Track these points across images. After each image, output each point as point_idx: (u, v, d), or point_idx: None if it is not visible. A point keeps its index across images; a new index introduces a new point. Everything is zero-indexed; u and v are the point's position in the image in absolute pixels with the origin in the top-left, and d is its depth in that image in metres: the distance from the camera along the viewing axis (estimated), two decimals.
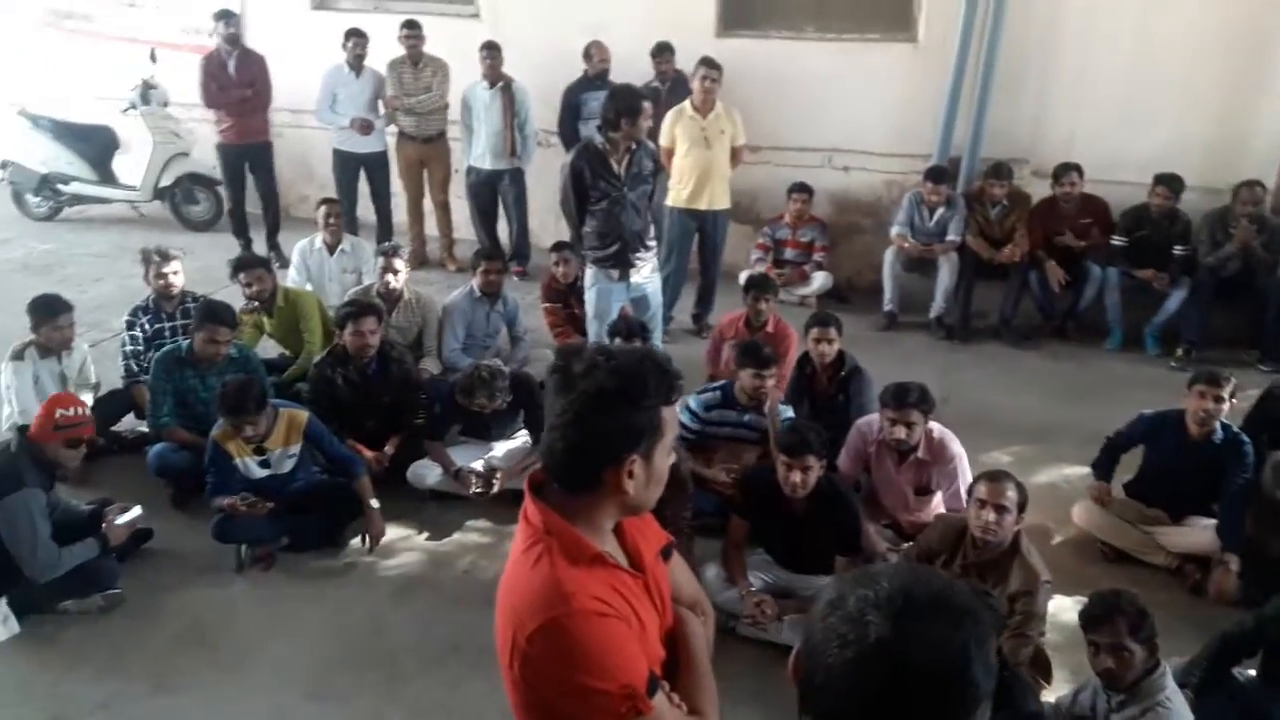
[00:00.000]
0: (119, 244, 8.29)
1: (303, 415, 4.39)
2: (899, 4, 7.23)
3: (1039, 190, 6.84)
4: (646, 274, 5.25)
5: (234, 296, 5.45)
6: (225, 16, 7.50)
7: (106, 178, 8.82)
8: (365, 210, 7.86)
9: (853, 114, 7.37)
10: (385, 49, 7.49)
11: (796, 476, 3.58)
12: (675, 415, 1.62)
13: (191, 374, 4.76)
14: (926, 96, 7.11)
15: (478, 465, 4.69)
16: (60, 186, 8.70)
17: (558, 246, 6.17)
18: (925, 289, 6.92)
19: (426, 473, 4.72)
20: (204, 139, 8.56)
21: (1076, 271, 6.58)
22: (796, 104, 7.41)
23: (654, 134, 6.01)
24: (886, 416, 4.02)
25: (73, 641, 3.74)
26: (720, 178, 6.50)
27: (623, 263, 5.12)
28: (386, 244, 6.10)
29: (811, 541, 3.76)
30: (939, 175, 6.77)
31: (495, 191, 7.55)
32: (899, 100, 7.27)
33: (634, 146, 4.94)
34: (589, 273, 5.31)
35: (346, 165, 7.69)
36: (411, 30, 7.36)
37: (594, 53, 7.24)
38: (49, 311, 4.85)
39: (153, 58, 8.16)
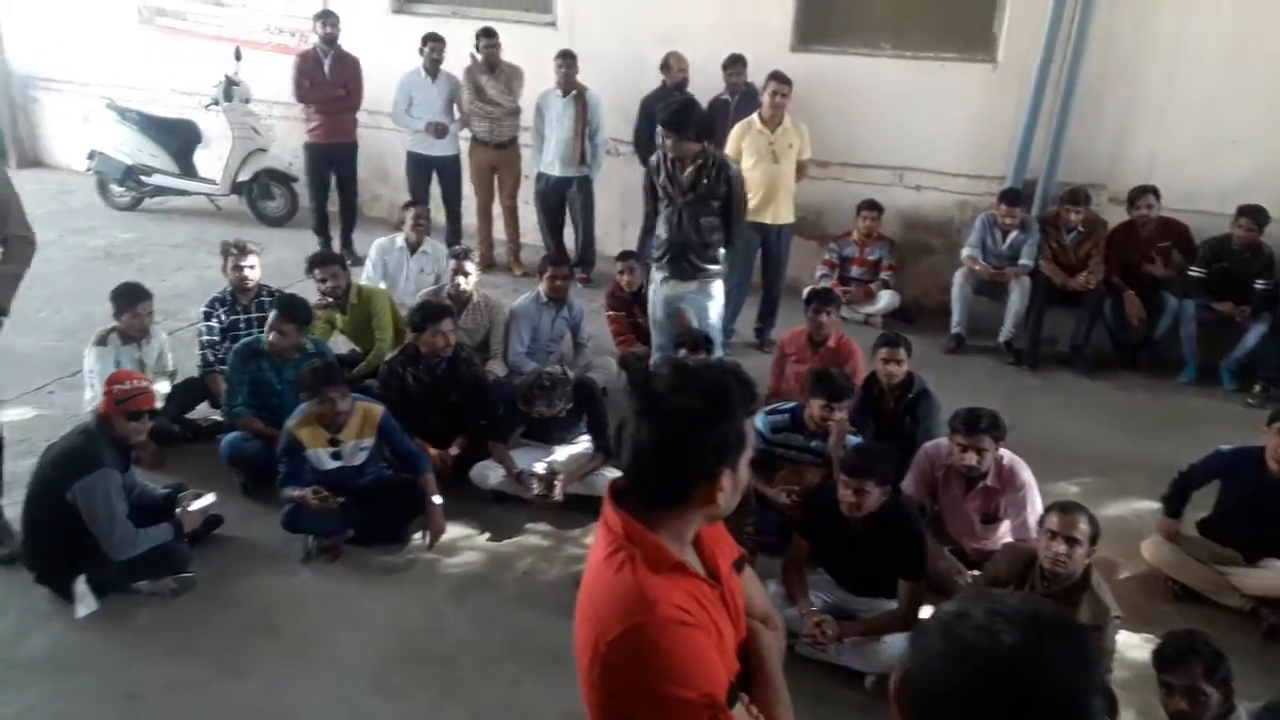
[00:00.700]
0: (197, 236, 8.54)
1: (378, 410, 4.48)
2: (979, 24, 7.15)
3: (1115, 217, 6.70)
4: (692, 288, 5.14)
5: (308, 291, 5.56)
6: (325, 16, 7.71)
7: (187, 171, 9.10)
8: (434, 212, 7.97)
9: (927, 132, 7.30)
10: (462, 54, 7.59)
11: (851, 496, 3.55)
12: (753, 424, 1.63)
13: (267, 365, 4.88)
14: (1003, 117, 7.02)
15: (539, 468, 4.72)
16: (143, 178, 8.96)
17: (623, 255, 6.23)
18: (994, 312, 6.82)
19: (489, 473, 4.77)
20: (282, 136, 8.83)
21: (1153, 302, 6.45)
22: (869, 120, 7.37)
23: (720, 144, 6.00)
24: (957, 442, 3.97)
25: (144, 622, 3.84)
26: (786, 192, 6.49)
27: (673, 269, 5.10)
28: (458, 247, 6.20)
29: (871, 563, 3.72)
30: (1014, 198, 6.68)
31: (563, 198, 7.60)
32: (975, 120, 7.18)
33: (705, 161, 4.82)
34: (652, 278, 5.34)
35: (420, 167, 7.82)
36: (489, 39, 7.44)
37: (673, 63, 7.27)
38: (130, 299, 5.02)
39: (238, 55, 8.38)
